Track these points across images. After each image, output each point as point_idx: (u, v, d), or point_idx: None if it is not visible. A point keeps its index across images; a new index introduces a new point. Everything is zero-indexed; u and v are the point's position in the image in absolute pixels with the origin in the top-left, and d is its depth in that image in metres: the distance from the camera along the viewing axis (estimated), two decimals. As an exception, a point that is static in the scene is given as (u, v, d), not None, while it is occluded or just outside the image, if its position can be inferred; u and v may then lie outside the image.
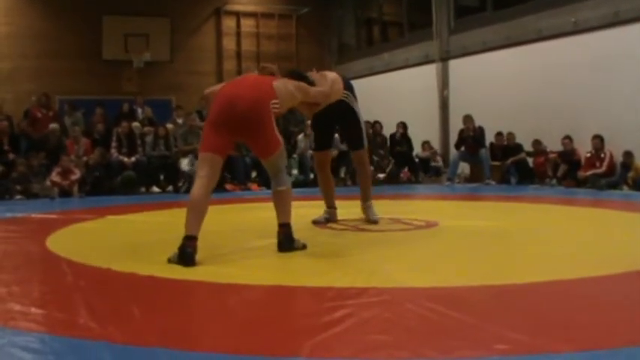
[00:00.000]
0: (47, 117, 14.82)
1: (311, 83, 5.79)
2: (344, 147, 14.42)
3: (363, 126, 6.97)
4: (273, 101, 5.09)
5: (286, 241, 5.07)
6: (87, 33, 18.38)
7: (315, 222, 6.81)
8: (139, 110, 15.72)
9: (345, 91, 6.57)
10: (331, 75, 6.46)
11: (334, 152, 14.58)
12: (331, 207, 7.08)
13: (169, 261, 4.53)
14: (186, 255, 4.50)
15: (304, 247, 5.11)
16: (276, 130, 5.16)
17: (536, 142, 13.39)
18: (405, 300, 3.41)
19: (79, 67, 18.14)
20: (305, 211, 7.27)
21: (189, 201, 4.83)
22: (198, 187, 4.90)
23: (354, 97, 6.75)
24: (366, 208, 6.99)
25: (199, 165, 5.08)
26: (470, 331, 2.88)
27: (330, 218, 6.95)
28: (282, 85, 5.29)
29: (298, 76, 5.79)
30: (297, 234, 5.45)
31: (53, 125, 13.81)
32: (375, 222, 6.80)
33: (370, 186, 7.18)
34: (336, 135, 14.77)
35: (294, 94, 5.43)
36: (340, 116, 6.75)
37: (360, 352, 2.67)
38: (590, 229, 6.77)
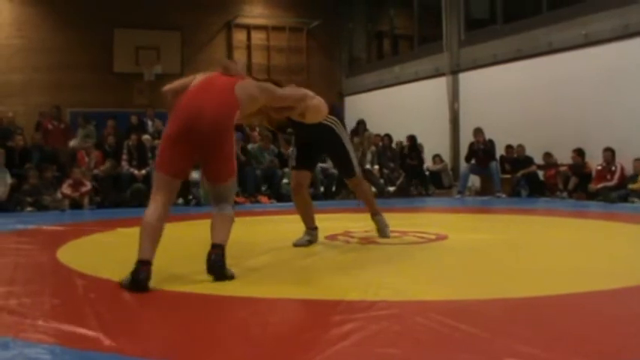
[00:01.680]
0: (58, 129, 14.92)
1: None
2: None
3: (352, 155, 6.46)
4: (237, 112, 4.66)
5: (218, 266, 4.46)
6: (98, 46, 18.48)
7: (297, 244, 6.25)
8: (149, 123, 15.77)
9: (332, 117, 6.19)
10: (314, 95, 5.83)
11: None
12: (311, 228, 6.50)
13: (121, 285, 4.19)
14: (139, 280, 4.11)
15: (232, 277, 4.50)
16: (234, 155, 4.74)
17: (547, 155, 13.37)
18: (414, 313, 3.40)
19: (91, 80, 18.22)
20: (319, 224, 7.25)
21: (142, 223, 4.40)
22: (152, 210, 4.44)
23: (343, 127, 6.40)
24: (376, 222, 6.77)
25: (156, 186, 4.57)
26: (481, 345, 2.86)
27: (311, 240, 6.41)
28: (242, 88, 4.71)
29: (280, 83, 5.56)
30: (306, 248, 5.45)
31: (73, 142, 13.96)
32: (386, 236, 6.64)
33: (374, 199, 6.98)
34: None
35: (254, 95, 4.80)
36: (327, 143, 6.36)
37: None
38: (602, 242, 6.75)
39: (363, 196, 6.83)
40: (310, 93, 5.69)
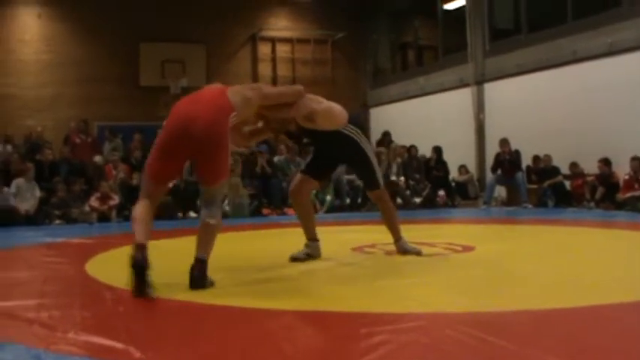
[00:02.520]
0: (86, 143, 15.08)
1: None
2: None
3: (375, 166, 6.15)
4: (232, 114, 4.72)
5: (199, 279, 4.55)
6: (125, 60, 18.67)
7: (295, 258, 5.97)
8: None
9: (353, 127, 5.93)
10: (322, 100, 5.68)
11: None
12: (312, 239, 6.19)
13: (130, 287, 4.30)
14: (137, 260, 4.25)
15: (212, 284, 4.62)
16: (229, 158, 4.80)
17: (573, 165, 13.30)
18: (442, 325, 3.39)
19: (118, 94, 18.40)
20: (345, 236, 7.27)
21: (132, 217, 4.71)
22: (140, 206, 4.65)
23: (366, 138, 6.15)
24: (399, 248, 6.31)
25: (143, 188, 4.79)
26: (509, 357, 2.85)
27: (311, 253, 6.09)
28: (234, 93, 4.81)
29: None
30: (333, 259, 5.45)
31: (98, 158, 14.10)
32: (418, 253, 6.22)
33: (397, 222, 6.42)
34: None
35: (247, 96, 4.89)
36: (348, 155, 6.14)
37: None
38: (630, 252, 6.70)
39: (386, 215, 6.36)
40: (320, 98, 5.60)
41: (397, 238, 6.32)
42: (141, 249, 4.33)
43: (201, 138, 4.53)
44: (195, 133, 4.52)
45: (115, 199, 12.34)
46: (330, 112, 5.62)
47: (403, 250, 6.25)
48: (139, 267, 4.25)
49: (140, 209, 4.64)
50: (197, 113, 4.60)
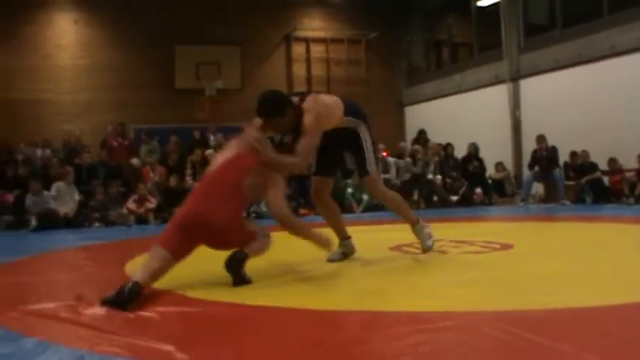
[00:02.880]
0: (123, 146, 15.23)
1: (297, 112, 5.27)
2: (417, 170, 14.43)
3: (367, 150, 5.78)
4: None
5: (237, 260, 4.71)
6: (160, 63, 18.82)
7: (331, 260, 5.84)
8: (212, 137, 15.96)
9: (348, 117, 5.67)
10: (324, 102, 5.54)
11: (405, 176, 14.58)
12: (345, 238, 6.08)
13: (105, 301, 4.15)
14: (122, 292, 4.11)
15: (249, 281, 4.75)
16: (243, 227, 4.90)
17: (612, 161, 13.15)
18: (481, 323, 3.37)
19: (153, 97, 18.55)
20: (382, 235, 7.26)
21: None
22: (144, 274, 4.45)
23: (362, 118, 5.82)
24: (416, 233, 6.10)
25: (154, 258, 4.63)
26: (548, 355, 2.83)
27: (346, 251, 5.99)
28: (250, 180, 4.89)
29: (282, 104, 5.29)
30: (371, 259, 5.43)
31: (135, 160, 14.23)
32: (428, 249, 6.05)
33: (405, 207, 6.23)
34: (408, 159, 14.82)
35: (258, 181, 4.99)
36: (348, 142, 5.85)
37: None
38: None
39: (389, 203, 6.14)
40: (316, 110, 5.35)
41: (412, 222, 6.08)
42: (136, 285, 4.22)
43: (214, 232, 4.74)
44: (206, 230, 4.71)
45: (153, 202, 12.43)
46: (319, 119, 5.35)
47: (418, 235, 6.06)
48: (121, 301, 4.08)
49: (145, 277, 4.43)
50: (207, 215, 4.71)
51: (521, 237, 7.75)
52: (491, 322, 3.36)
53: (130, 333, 3.48)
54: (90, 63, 18.60)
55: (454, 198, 14.67)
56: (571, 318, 3.55)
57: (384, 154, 15.21)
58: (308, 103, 5.39)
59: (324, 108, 5.46)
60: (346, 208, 13.52)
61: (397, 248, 6.73)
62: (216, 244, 4.88)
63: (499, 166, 15.66)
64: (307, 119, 5.26)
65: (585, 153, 13.68)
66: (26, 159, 14.40)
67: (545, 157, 13.98)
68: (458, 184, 14.94)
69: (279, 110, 5.25)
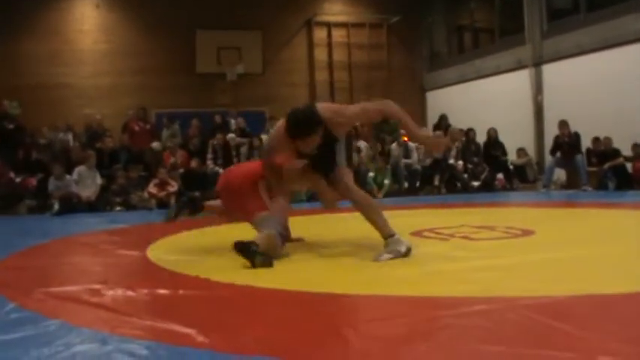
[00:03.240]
0: (144, 130, 15.26)
1: (316, 121, 5.06)
2: (437, 155, 14.39)
3: (339, 149, 5.54)
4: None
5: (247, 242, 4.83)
6: (181, 48, 18.85)
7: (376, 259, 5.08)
8: (233, 122, 15.98)
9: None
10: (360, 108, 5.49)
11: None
12: (389, 235, 5.32)
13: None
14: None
15: (268, 263, 4.78)
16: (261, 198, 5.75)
17: (636, 146, 13.02)
18: (504, 310, 3.36)
19: (174, 81, 18.59)
20: (403, 220, 7.22)
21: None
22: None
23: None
24: (388, 245, 5.26)
25: None
26: (573, 342, 2.81)
27: (405, 251, 5.23)
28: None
29: (313, 123, 5.07)
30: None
31: (155, 144, 14.28)
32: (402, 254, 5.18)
33: (378, 215, 5.47)
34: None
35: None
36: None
37: (460, 361, 2.65)
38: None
39: (360, 209, 5.52)
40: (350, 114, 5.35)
41: (384, 235, 5.35)
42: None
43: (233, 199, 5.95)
44: (227, 195, 6.06)
45: (174, 186, 12.47)
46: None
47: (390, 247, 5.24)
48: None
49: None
50: (228, 178, 6.15)
51: (543, 223, 7.70)
52: (514, 309, 3.34)
53: (152, 316, 3.50)
54: (111, 48, 18.65)
55: (475, 183, 14.61)
56: (594, 305, 3.53)
57: (405, 138, 15.17)
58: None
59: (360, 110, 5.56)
60: (368, 193, 13.50)
61: (418, 234, 6.72)
62: (237, 207, 5.91)
63: (521, 151, 15.57)
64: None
65: (608, 139, 13.54)
66: (48, 143, 14.47)
67: (567, 143, 13.86)
68: (479, 170, 14.87)
69: (311, 130, 5.08)
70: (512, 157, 15.58)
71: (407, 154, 14.75)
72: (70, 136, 15.17)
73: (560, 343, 2.81)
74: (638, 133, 13.09)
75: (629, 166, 13.37)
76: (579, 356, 2.63)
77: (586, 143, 14.04)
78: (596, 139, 13.81)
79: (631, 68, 13.52)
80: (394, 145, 14.77)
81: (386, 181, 13.86)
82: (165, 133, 15.78)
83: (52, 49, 18.13)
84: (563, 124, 13.97)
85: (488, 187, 14.51)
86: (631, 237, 6.44)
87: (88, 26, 18.62)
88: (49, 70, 18.00)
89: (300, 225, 7.38)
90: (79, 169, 12.31)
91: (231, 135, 14.56)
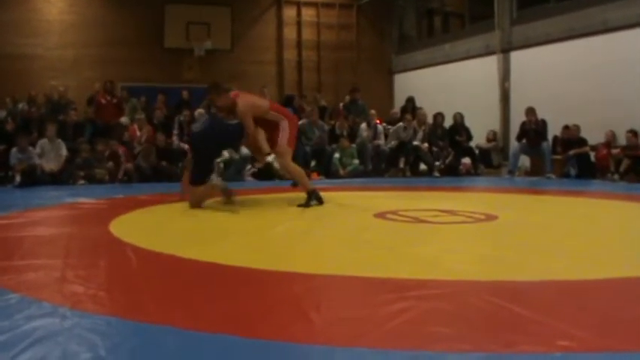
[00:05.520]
0: (111, 104, 15.10)
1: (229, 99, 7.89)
2: (404, 136, 14.43)
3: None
4: None
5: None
6: (149, 21, 18.66)
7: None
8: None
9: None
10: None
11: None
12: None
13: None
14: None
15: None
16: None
17: (609, 134, 13.09)
18: (466, 293, 3.40)
19: (141, 55, 18.41)
20: (367, 202, 7.27)
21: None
22: None
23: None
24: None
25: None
26: (532, 326, 2.85)
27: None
28: None
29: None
30: (355, 225, 5.43)
31: (124, 119, 14.18)
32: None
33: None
34: (400, 124, 14.80)
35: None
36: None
37: (420, 344, 2.67)
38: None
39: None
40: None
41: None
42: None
43: None
44: None
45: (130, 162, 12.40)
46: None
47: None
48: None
49: None
50: None
51: (506, 209, 7.77)
52: (476, 293, 3.38)
53: (113, 291, 3.49)
54: (78, 19, 18.34)
55: (437, 163, 14.64)
56: (554, 291, 3.58)
57: (377, 121, 15.21)
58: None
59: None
60: (333, 173, 13.54)
61: (381, 215, 6.75)
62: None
63: (491, 133, 15.68)
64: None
65: (576, 127, 13.60)
66: (9, 114, 14.25)
67: (533, 130, 13.91)
68: (444, 154, 14.93)
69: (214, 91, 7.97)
70: (479, 140, 15.64)
71: (376, 135, 14.76)
72: (32, 108, 14.92)
73: (519, 326, 2.85)
74: (605, 124, 13.19)
75: (592, 155, 13.48)
76: (538, 340, 2.67)
77: (551, 131, 14.14)
78: (565, 127, 13.85)
79: (598, 58, 13.62)
80: (364, 125, 14.78)
81: (355, 161, 13.87)
82: (127, 106, 15.60)
83: (17, 18, 17.81)
84: (530, 111, 13.98)
85: (452, 171, 14.57)
86: (592, 225, 6.51)
87: (55, -4, 18.34)
88: (14, 40, 17.67)
89: (258, 205, 7.39)
90: (42, 142, 12.14)
91: (200, 110, 14.47)
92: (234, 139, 7.93)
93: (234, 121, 7.61)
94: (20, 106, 14.85)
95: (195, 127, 8.34)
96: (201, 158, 7.65)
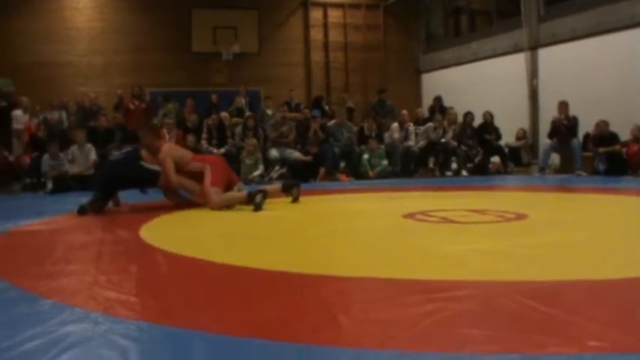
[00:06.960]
0: (140, 108, 15.19)
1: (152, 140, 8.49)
2: (434, 136, 14.38)
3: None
4: None
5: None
6: (177, 27, 18.79)
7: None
8: (243, 101, 15.99)
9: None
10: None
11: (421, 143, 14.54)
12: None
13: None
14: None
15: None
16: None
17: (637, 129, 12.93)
18: (496, 294, 3.37)
19: (170, 61, 18.55)
20: (396, 203, 7.25)
21: None
22: None
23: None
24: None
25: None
26: (563, 327, 2.83)
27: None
28: None
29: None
30: (385, 226, 5.42)
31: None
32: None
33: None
34: (430, 124, 14.75)
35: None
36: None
37: (450, 345, 2.66)
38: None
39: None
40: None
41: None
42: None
43: None
44: None
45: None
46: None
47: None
48: None
49: None
50: None
51: (536, 207, 7.71)
52: (506, 293, 3.35)
53: (144, 296, 3.51)
54: (106, 26, 18.54)
55: (469, 165, 14.60)
56: (583, 290, 3.54)
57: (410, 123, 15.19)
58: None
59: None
60: (362, 175, 13.54)
61: (411, 216, 6.73)
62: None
63: (521, 131, 15.57)
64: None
65: (604, 123, 13.44)
66: (42, 122, 14.41)
67: (565, 126, 13.75)
68: (474, 152, 14.86)
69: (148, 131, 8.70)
70: (508, 139, 15.54)
71: (407, 136, 14.73)
72: (64, 115, 15.09)
73: (549, 327, 2.83)
74: (633, 119, 13.05)
75: (623, 151, 13.31)
76: (568, 341, 2.65)
77: (582, 128, 14.01)
78: (598, 124, 13.65)
79: (627, 53, 13.50)
80: (395, 126, 14.76)
81: (384, 162, 13.86)
82: (160, 112, 15.72)
83: (47, 26, 18.02)
84: (562, 105, 13.79)
85: (482, 170, 14.50)
86: (624, 223, 6.44)
87: (83, 4, 18.50)
88: (44, 48, 17.89)
89: (294, 208, 7.39)
90: (73, 149, 12.24)
91: (224, 114, 14.55)
92: (144, 178, 8.32)
93: (152, 166, 8.14)
94: (54, 114, 14.99)
95: (114, 155, 9.08)
96: (106, 184, 8.16)
